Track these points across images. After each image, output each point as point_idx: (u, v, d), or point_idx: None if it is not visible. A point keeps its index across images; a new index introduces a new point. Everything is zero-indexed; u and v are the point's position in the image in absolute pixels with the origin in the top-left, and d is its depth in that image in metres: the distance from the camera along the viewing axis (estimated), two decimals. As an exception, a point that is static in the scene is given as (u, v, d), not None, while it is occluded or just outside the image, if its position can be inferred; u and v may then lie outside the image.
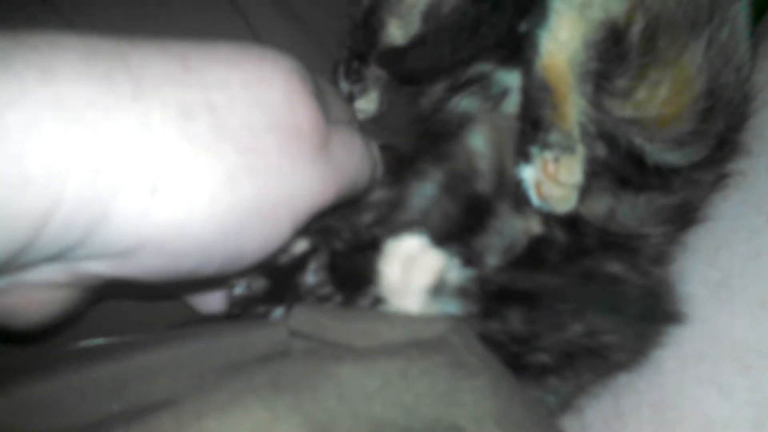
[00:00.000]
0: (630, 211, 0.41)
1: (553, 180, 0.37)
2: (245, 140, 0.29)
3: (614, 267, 0.41)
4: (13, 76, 0.24)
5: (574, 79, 0.38)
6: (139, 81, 0.27)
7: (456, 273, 0.38)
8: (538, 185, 0.38)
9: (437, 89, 0.46)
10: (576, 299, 0.40)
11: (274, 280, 0.39)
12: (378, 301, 0.39)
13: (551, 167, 0.38)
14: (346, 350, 0.33)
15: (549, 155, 0.38)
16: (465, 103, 0.44)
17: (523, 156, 0.39)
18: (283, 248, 0.33)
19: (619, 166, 0.40)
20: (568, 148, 0.38)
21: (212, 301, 0.42)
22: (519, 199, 0.41)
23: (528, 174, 0.38)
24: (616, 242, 0.41)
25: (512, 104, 0.43)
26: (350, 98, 0.47)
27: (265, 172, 0.29)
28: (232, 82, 0.29)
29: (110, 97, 0.26)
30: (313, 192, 0.32)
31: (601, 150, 0.40)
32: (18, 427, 0.29)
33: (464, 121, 0.44)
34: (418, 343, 0.33)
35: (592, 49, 0.38)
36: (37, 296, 0.30)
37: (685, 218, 0.43)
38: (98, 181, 0.26)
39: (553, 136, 0.38)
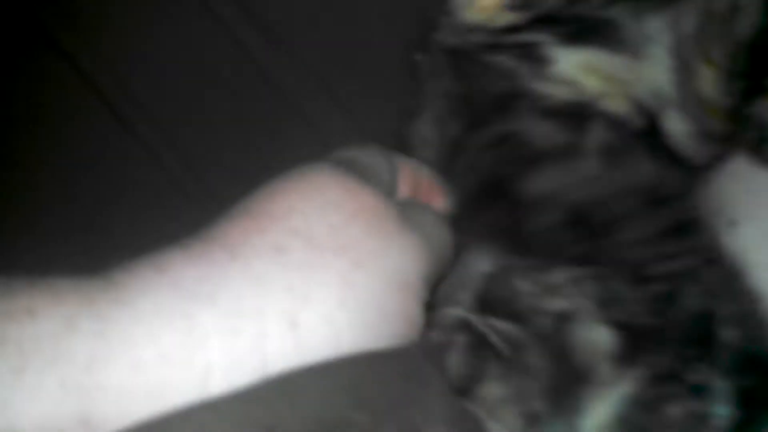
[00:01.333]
0: None
1: None
2: (335, 241, 0.29)
3: None
4: None
5: None
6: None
7: None
8: None
9: None
10: None
11: None
12: None
13: None
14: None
15: None
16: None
17: None
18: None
19: None
20: None
21: None
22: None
23: None
24: None
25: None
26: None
27: (368, 258, 0.29)
28: (296, 206, 0.30)
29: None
30: (414, 259, 0.31)
31: None
32: None
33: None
34: (375, 353, 0.32)
35: None
36: None
37: None
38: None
39: None
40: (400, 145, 0.46)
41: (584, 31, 0.41)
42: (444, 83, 0.44)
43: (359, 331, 0.28)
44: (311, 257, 0.28)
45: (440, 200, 0.39)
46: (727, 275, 0.39)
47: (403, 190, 0.37)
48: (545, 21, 0.41)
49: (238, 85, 0.57)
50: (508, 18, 0.42)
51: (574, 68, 0.41)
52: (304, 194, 0.30)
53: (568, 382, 0.36)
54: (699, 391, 0.35)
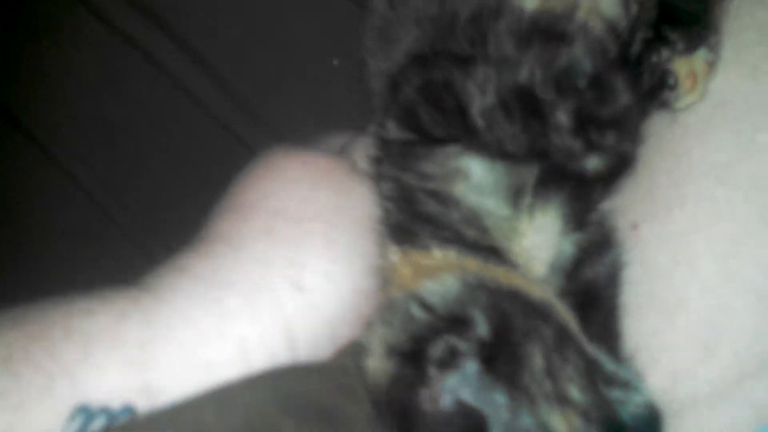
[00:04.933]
0: None
1: (704, 79, 0.40)
2: (308, 210, 0.35)
3: None
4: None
5: None
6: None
7: None
8: (690, 78, 0.40)
9: None
10: None
11: None
12: None
13: (706, 69, 0.40)
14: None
15: (711, 57, 0.40)
16: None
17: (690, 47, 0.40)
18: None
19: None
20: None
21: None
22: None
23: (683, 66, 0.40)
24: None
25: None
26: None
27: (337, 215, 0.35)
28: (267, 190, 0.35)
29: None
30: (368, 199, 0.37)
31: None
32: None
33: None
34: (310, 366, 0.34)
35: None
36: None
37: None
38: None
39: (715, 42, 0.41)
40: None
41: None
42: None
43: (352, 276, 0.34)
44: (295, 230, 0.33)
45: None
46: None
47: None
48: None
49: (170, 118, 0.60)
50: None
51: None
52: (270, 178, 0.36)
53: None
54: None
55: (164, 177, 0.59)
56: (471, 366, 0.31)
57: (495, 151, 0.37)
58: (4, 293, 0.29)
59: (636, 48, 0.40)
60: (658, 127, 0.42)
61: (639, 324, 0.39)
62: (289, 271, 0.32)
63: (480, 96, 0.37)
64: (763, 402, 0.37)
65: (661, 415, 0.34)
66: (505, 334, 0.33)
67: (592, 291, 0.39)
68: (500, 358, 0.32)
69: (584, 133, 0.37)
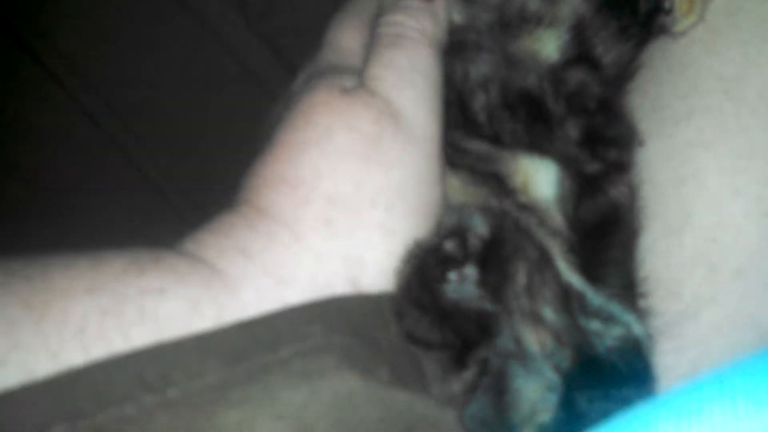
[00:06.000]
0: None
1: (702, 1, 0.40)
2: (364, 196, 0.33)
3: None
4: None
5: None
6: None
7: None
8: (687, 1, 0.40)
9: None
10: None
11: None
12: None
13: None
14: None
15: None
16: None
17: None
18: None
19: None
20: None
21: None
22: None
23: None
24: None
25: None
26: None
27: (395, 194, 0.34)
28: (321, 167, 0.34)
29: None
30: (423, 147, 0.35)
31: None
32: None
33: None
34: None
35: None
36: None
37: None
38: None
39: None
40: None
41: None
42: None
43: None
44: (353, 222, 0.33)
45: None
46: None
47: None
48: None
49: (227, 89, 0.58)
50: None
51: None
52: (318, 147, 0.33)
53: None
54: None
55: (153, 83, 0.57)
56: (470, 269, 0.34)
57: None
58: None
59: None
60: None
61: (646, 243, 0.39)
62: (348, 270, 0.32)
63: (482, 93, 0.38)
64: (765, 324, 0.38)
65: (640, 347, 0.36)
66: (498, 245, 0.35)
67: (615, 212, 0.39)
68: (491, 268, 0.34)
69: (590, 146, 0.38)
